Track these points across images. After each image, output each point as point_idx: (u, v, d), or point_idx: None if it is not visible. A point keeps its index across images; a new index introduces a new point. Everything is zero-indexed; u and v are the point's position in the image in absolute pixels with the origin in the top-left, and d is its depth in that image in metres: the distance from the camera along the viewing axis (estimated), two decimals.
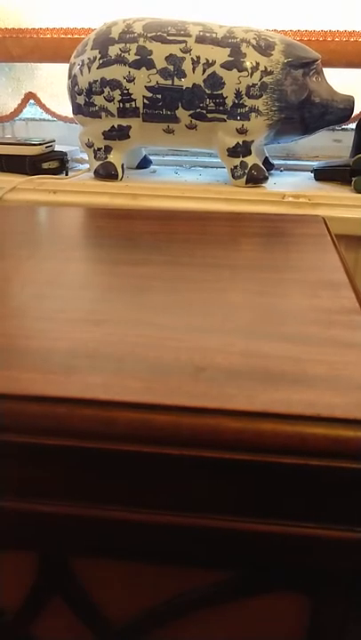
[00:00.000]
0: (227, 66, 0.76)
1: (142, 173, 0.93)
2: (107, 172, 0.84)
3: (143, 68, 0.77)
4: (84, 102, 0.81)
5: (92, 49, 0.79)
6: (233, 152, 0.81)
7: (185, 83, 0.77)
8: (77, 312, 0.37)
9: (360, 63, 0.90)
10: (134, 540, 0.29)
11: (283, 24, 0.90)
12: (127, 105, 0.79)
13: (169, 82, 0.77)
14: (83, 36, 0.90)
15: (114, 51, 0.78)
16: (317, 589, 0.30)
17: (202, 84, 0.77)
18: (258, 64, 0.76)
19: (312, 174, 0.90)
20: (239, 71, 0.76)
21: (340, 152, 0.98)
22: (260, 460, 0.25)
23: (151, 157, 0.97)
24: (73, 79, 0.82)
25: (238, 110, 0.77)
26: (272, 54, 0.76)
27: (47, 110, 1.01)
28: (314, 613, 0.31)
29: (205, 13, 0.92)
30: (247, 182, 0.82)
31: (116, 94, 0.79)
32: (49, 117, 1.03)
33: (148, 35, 0.77)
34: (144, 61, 0.77)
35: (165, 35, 0.77)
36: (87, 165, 0.90)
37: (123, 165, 0.86)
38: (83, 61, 0.80)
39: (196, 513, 0.27)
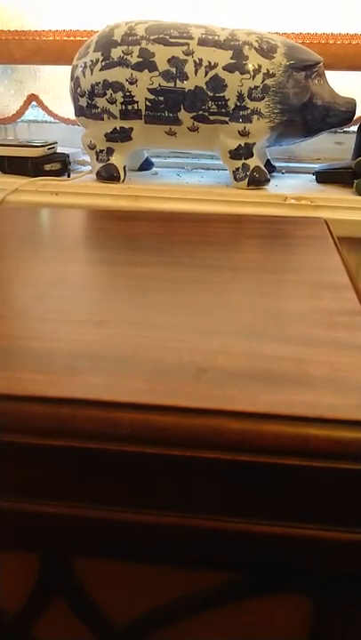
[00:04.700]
0: (229, 68, 0.76)
1: (144, 175, 0.93)
2: (109, 174, 0.85)
3: (145, 71, 0.77)
4: (87, 104, 0.81)
5: (94, 51, 0.80)
6: (235, 154, 0.81)
7: (187, 85, 0.77)
8: (79, 313, 0.37)
9: None
10: (136, 541, 0.29)
11: (285, 27, 0.91)
12: (129, 107, 0.79)
13: (171, 84, 0.77)
14: (85, 39, 0.90)
15: (116, 53, 0.78)
16: (319, 591, 0.30)
17: (204, 87, 0.77)
18: (260, 66, 0.76)
19: (314, 177, 0.90)
20: (241, 73, 0.76)
21: (342, 154, 0.98)
22: (261, 461, 0.25)
23: (153, 159, 0.97)
24: (75, 81, 0.82)
25: (240, 112, 0.78)
26: (274, 57, 0.76)
27: (49, 112, 1.01)
28: (316, 615, 0.31)
29: (208, 16, 0.92)
30: (249, 184, 0.82)
31: (119, 96, 0.79)
32: (51, 119, 1.03)
33: (151, 37, 0.77)
34: (146, 64, 0.77)
35: (168, 37, 0.77)
36: (89, 167, 0.91)
37: (125, 167, 0.86)
38: (85, 63, 0.80)
39: (198, 514, 0.27)
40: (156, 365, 0.30)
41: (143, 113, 0.79)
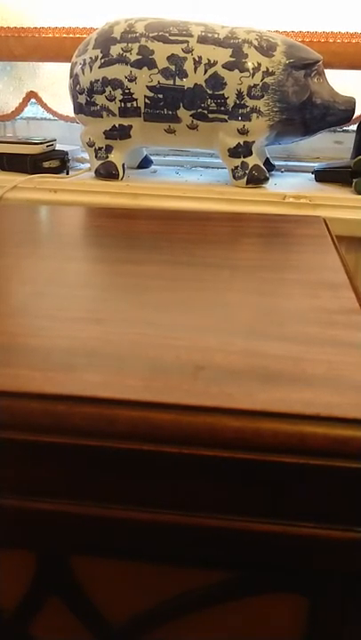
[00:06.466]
0: (228, 66, 0.76)
1: (143, 173, 0.93)
2: (107, 172, 0.84)
3: (145, 68, 0.77)
4: (86, 102, 0.81)
5: (93, 48, 0.79)
6: (234, 152, 0.81)
7: (186, 83, 0.77)
8: (77, 311, 0.37)
9: None
10: (133, 539, 0.29)
11: (284, 25, 0.90)
12: (128, 104, 0.79)
13: (170, 82, 0.77)
14: (84, 36, 0.90)
15: (116, 50, 0.78)
16: (317, 590, 0.30)
17: (203, 85, 0.77)
18: (259, 65, 0.76)
19: (313, 175, 0.90)
20: (241, 72, 0.76)
21: (341, 153, 0.98)
22: (258, 459, 0.25)
23: (152, 157, 0.97)
24: (74, 78, 0.82)
25: (240, 111, 0.77)
26: (274, 55, 0.76)
27: (48, 109, 1.01)
28: (312, 614, 0.31)
29: (207, 14, 0.92)
30: (248, 183, 0.82)
31: (118, 94, 0.79)
32: (50, 116, 1.03)
33: (150, 34, 0.77)
34: (146, 61, 0.77)
35: (167, 35, 0.77)
36: (88, 165, 0.90)
37: (123, 165, 0.86)
38: (84, 61, 0.80)
39: (195, 512, 0.27)
40: (153, 363, 0.30)
41: (142, 110, 0.79)
